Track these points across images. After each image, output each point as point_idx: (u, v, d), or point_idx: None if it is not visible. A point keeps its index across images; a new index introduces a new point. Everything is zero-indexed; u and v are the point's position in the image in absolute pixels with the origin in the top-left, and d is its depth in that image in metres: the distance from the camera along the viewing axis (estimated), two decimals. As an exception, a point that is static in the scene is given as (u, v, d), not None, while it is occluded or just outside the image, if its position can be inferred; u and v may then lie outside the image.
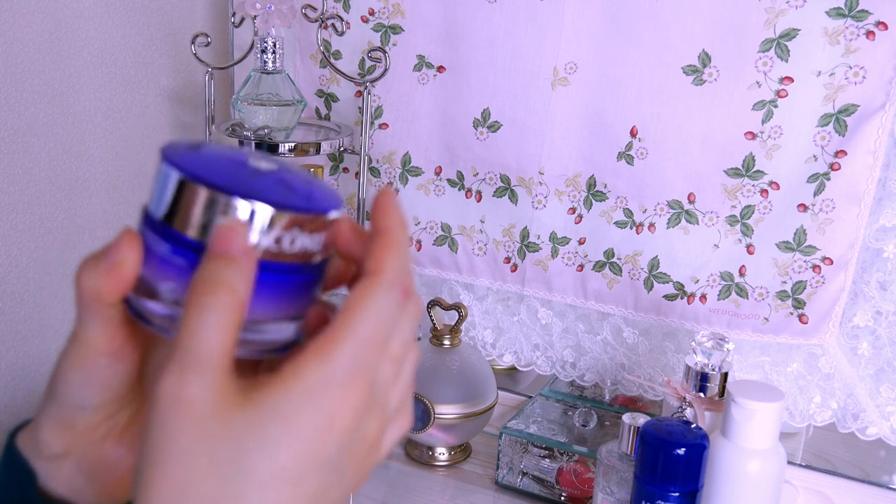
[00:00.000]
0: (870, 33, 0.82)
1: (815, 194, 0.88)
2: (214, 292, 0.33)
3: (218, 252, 0.34)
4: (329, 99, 1.09)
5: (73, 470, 0.42)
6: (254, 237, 0.34)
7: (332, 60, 1.04)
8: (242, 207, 0.34)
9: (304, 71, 1.09)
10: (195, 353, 0.33)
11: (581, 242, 0.99)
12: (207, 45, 1.00)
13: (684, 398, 0.83)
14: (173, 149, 0.36)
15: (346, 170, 1.11)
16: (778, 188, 0.89)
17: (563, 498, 0.95)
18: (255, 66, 0.98)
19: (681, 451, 0.74)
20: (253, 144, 0.97)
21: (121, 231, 0.36)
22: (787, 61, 0.85)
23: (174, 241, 0.35)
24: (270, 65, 0.97)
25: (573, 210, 0.99)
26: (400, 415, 0.39)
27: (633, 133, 0.93)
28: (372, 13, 1.03)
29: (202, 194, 0.34)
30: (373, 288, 0.35)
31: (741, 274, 0.92)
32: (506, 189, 1.01)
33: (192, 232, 0.34)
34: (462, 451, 1.04)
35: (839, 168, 0.86)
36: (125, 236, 0.36)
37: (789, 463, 0.82)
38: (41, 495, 0.43)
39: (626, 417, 0.82)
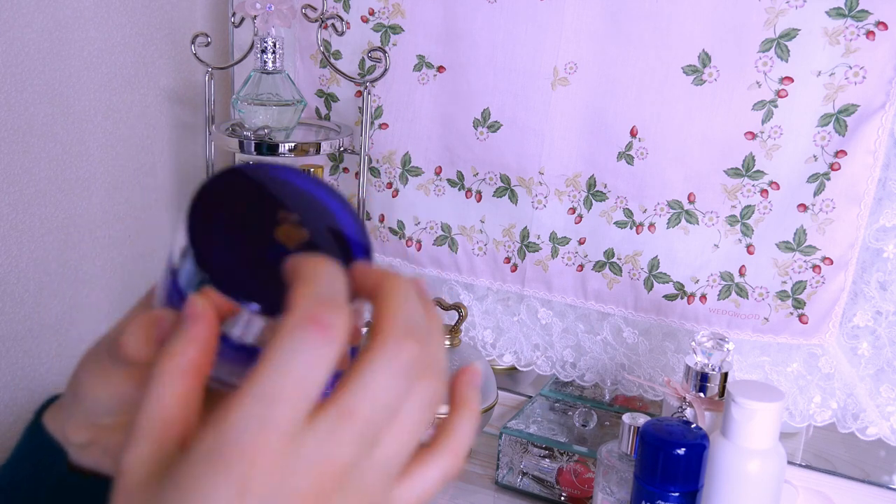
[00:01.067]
0: (870, 33, 0.82)
1: (815, 194, 0.88)
2: (165, 360, 0.32)
3: (182, 317, 0.33)
4: (329, 99, 1.09)
5: (101, 453, 0.43)
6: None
7: (332, 60, 1.04)
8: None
9: (304, 71, 1.09)
10: (137, 422, 0.32)
11: (581, 242, 0.99)
12: (207, 45, 1.00)
13: (684, 398, 0.83)
14: (199, 211, 0.35)
15: (346, 170, 1.11)
16: (778, 188, 0.89)
17: (563, 498, 0.95)
18: (255, 66, 0.98)
19: (681, 451, 0.74)
20: (253, 144, 0.97)
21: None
22: (787, 61, 0.85)
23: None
24: (270, 65, 0.97)
25: (573, 210, 0.99)
26: (418, 467, 0.35)
27: (633, 133, 0.93)
28: (372, 13, 1.03)
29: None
30: (279, 331, 0.31)
31: (741, 274, 0.92)
32: (506, 189, 1.01)
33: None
34: (462, 451, 1.04)
35: (839, 168, 0.86)
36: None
37: (789, 463, 0.82)
38: (73, 469, 0.44)
39: (626, 417, 0.82)
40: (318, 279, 0.32)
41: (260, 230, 0.35)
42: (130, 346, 0.37)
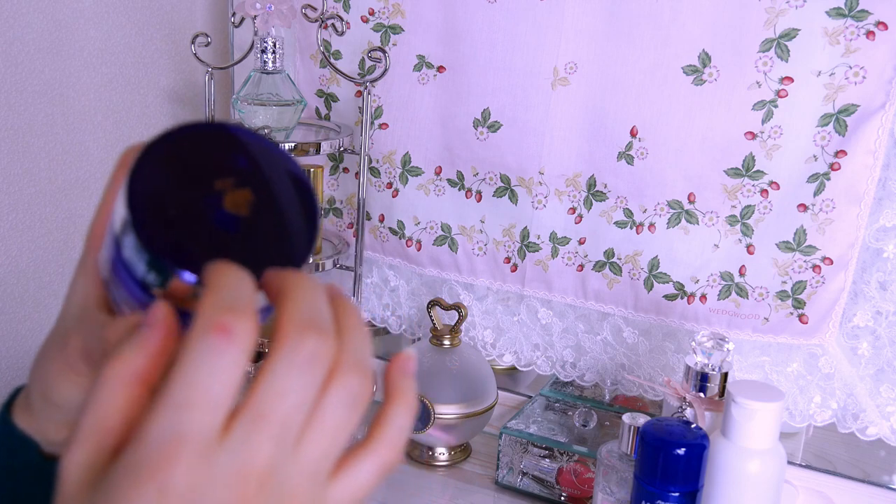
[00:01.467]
0: (870, 33, 0.82)
1: (815, 194, 0.88)
2: (112, 366, 0.32)
3: (139, 321, 0.33)
4: (329, 99, 1.09)
5: None
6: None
7: (332, 60, 1.04)
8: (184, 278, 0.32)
9: (304, 71, 1.09)
10: (78, 427, 0.32)
11: (581, 242, 0.99)
12: (207, 45, 1.00)
13: (684, 398, 0.83)
14: (140, 173, 0.33)
15: (346, 170, 1.11)
16: (778, 188, 0.89)
17: (563, 498, 0.95)
18: (255, 66, 0.98)
19: (681, 451, 0.74)
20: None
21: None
22: (787, 61, 0.85)
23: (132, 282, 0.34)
24: (270, 65, 0.97)
25: (573, 210, 0.99)
26: (351, 464, 0.35)
27: (633, 133, 0.93)
28: (372, 13, 1.03)
29: (156, 263, 0.32)
30: (183, 345, 0.31)
31: (741, 274, 0.92)
32: (506, 189, 1.01)
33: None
34: (462, 451, 1.04)
35: (839, 168, 0.86)
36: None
37: (789, 463, 0.82)
38: (45, 458, 0.44)
39: (626, 417, 0.82)
40: (223, 286, 0.31)
41: (202, 198, 0.34)
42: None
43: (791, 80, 0.85)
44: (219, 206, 0.34)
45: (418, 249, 1.07)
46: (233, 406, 0.31)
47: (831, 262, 0.89)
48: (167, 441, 0.30)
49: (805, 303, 0.91)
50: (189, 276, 0.32)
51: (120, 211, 0.33)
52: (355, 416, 0.33)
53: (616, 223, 0.97)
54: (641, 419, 0.81)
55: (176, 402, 0.30)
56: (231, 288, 0.31)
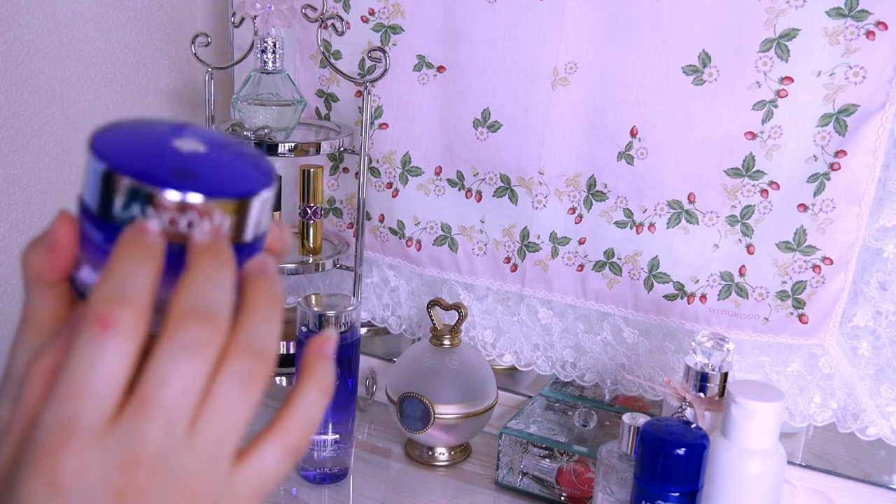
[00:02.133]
0: (870, 33, 0.82)
1: (815, 194, 0.88)
2: (31, 364, 0.33)
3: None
4: (329, 99, 1.09)
5: None
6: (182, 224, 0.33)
7: (332, 60, 1.04)
8: (169, 196, 0.33)
9: (304, 71, 1.09)
10: (6, 423, 0.33)
11: (581, 242, 0.99)
12: (207, 45, 1.00)
13: (684, 398, 0.83)
14: (102, 135, 0.35)
15: (346, 170, 1.11)
16: (778, 188, 0.89)
17: (563, 498, 0.95)
18: (255, 66, 0.98)
19: (681, 451, 0.74)
20: (252, 144, 0.97)
21: (57, 213, 0.36)
22: (787, 61, 0.85)
23: (105, 230, 0.34)
24: (270, 65, 0.97)
25: (573, 210, 0.99)
26: (257, 447, 0.35)
27: (633, 133, 0.93)
28: (372, 13, 1.03)
29: (125, 184, 0.33)
30: (72, 335, 0.32)
31: (741, 274, 0.92)
32: (506, 189, 1.01)
33: (119, 221, 0.34)
34: (462, 451, 1.04)
35: (839, 168, 0.86)
36: (60, 218, 0.36)
37: (789, 463, 0.82)
38: None
39: (626, 417, 0.82)
40: (115, 273, 0.32)
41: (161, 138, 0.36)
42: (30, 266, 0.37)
43: (791, 80, 0.85)
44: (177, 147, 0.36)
45: (418, 249, 1.07)
46: (124, 394, 0.31)
47: (831, 262, 0.89)
48: (55, 429, 0.31)
49: (805, 303, 0.91)
50: (173, 194, 0.33)
51: (90, 173, 0.35)
52: (251, 397, 0.33)
53: (616, 223, 0.97)
54: (641, 419, 0.81)
55: (63, 392, 0.31)
56: (123, 275, 0.32)
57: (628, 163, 0.94)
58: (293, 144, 0.97)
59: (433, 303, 1.01)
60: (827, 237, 0.88)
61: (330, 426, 0.95)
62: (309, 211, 1.04)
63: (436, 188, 1.05)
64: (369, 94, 1.00)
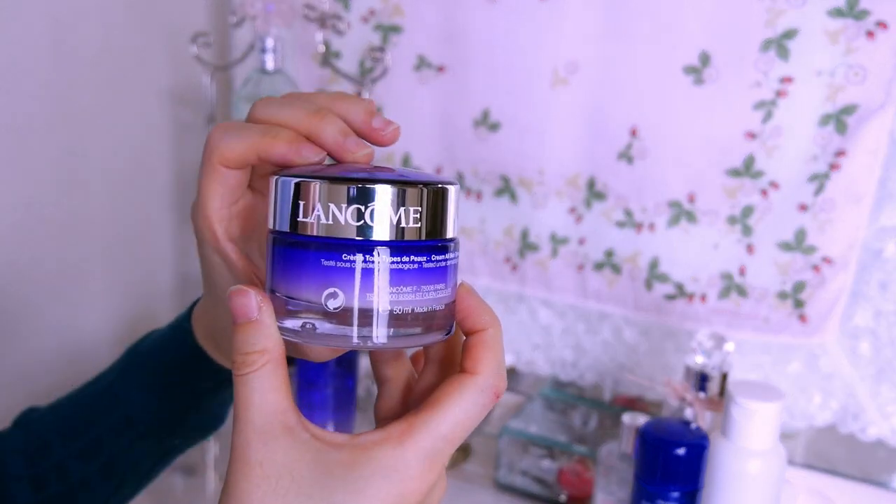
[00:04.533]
0: (870, 33, 0.82)
1: (816, 194, 0.88)
2: (251, 363, 0.36)
3: (240, 321, 0.36)
4: (329, 99, 1.09)
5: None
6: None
7: (332, 60, 1.04)
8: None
9: (304, 71, 1.09)
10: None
11: (581, 242, 0.99)
12: (207, 45, 1.00)
13: (684, 398, 0.83)
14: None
15: (346, 170, 1.11)
16: (778, 188, 0.89)
17: (563, 498, 0.95)
18: (255, 66, 0.98)
19: (681, 451, 0.74)
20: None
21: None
22: (787, 61, 0.85)
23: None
24: (270, 65, 0.97)
25: (573, 210, 0.99)
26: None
27: (633, 133, 0.93)
28: (372, 13, 1.03)
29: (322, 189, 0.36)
30: (466, 389, 0.37)
31: (741, 274, 0.92)
32: (506, 189, 1.01)
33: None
34: (462, 451, 1.04)
35: (839, 168, 0.86)
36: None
37: (789, 463, 0.82)
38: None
39: (626, 417, 0.82)
40: (501, 348, 0.38)
41: None
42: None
43: (791, 80, 0.85)
44: None
45: (418, 249, 1.07)
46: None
47: (831, 262, 0.89)
48: (427, 460, 0.36)
49: (805, 303, 0.91)
50: None
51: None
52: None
53: (616, 223, 0.97)
54: (641, 419, 0.81)
55: (442, 433, 0.36)
56: (502, 355, 0.38)
57: (628, 163, 0.94)
58: (293, 144, 0.97)
59: (433, 303, 1.01)
60: (827, 237, 0.88)
61: (330, 426, 0.95)
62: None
63: (436, 188, 1.05)
64: (369, 94, 1.00)
